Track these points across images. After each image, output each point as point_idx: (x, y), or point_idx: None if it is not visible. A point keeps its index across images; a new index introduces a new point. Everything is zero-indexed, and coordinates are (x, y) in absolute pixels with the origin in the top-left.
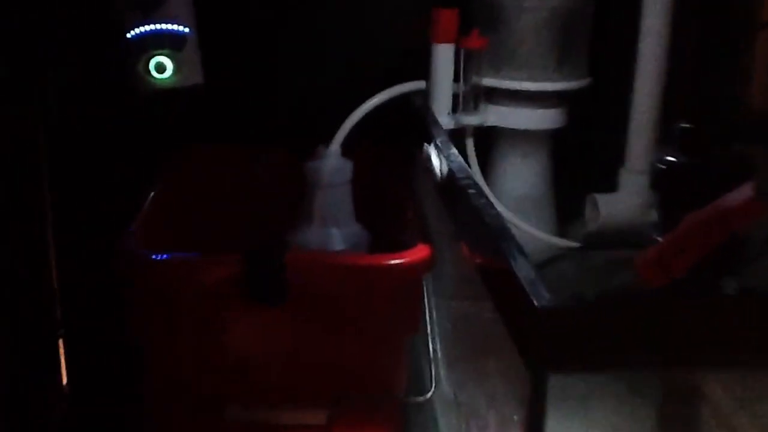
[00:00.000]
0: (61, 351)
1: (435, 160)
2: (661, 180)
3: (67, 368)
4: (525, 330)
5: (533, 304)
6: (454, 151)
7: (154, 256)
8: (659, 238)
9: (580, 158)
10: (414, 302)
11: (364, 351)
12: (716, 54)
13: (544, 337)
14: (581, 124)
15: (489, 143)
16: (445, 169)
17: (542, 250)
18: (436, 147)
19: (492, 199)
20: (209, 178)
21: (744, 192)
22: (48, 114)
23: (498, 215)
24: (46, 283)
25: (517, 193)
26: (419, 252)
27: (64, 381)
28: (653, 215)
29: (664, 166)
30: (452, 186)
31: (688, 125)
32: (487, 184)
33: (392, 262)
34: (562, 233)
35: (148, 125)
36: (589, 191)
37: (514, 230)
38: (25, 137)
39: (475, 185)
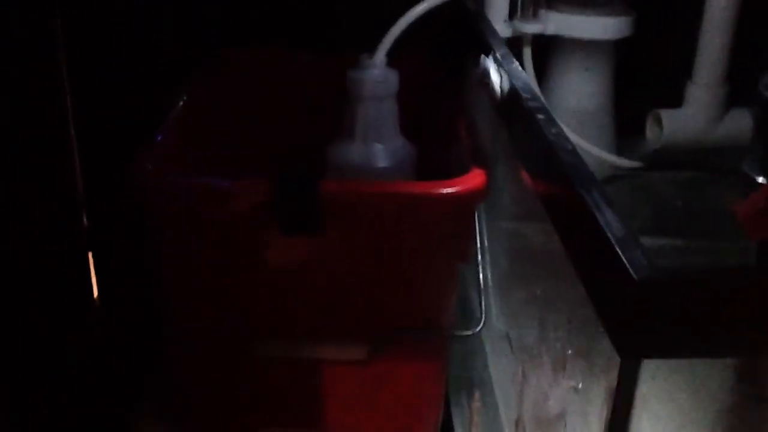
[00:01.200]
0: (91, 265)
1: (494, 76)
2: (764, 110)
3: (97, 282)
4: (616, 305)
5: (630, 275)
6: (517, 65)
7: (171, 179)
8: (760, 180)
9: (644, 70)
10: (465, 231)
11: (408, 283)
12: None
13: (642, 316)
14: (648, 34)
15: (547, 53)
16: (507, 87)
17: (601, 169)
18: (496, 60)
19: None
20: (244, 84)
21: None
22: (72, 26)
23: (575, 152)
24: (73, 198)
25: (576, 107)
26: (473, 179)
27: (95, 294)
28: (719, 133)
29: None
30: (516, 108)
31: None
32: (546, 97)
33: (442, 190)
34: (621, 151)
35: (180, 29)
36: (651, 107)
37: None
38: (47, 52)
39: (545, 110)
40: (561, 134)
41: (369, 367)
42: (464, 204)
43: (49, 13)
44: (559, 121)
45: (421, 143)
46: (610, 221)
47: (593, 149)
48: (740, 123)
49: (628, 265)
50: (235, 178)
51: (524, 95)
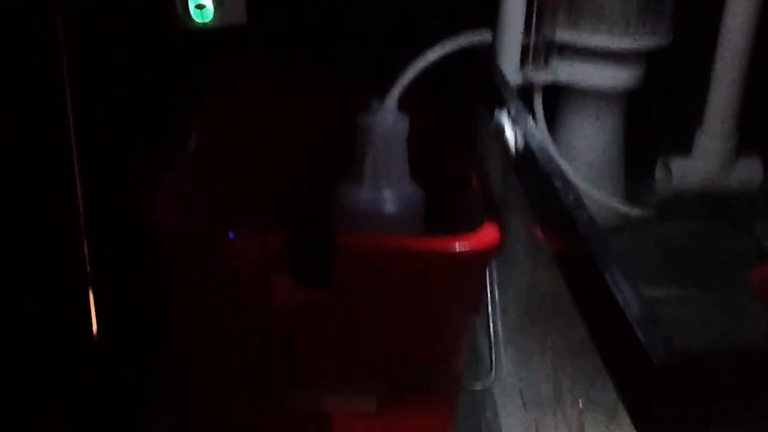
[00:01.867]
0: (91, 300)
1: (509, 133)
2: None
3: (96, 318)
4: (636, 387)
5: (650, 358)
6: (532, 124)
7: (189, 228)
8: None
9: (654, 119)
10: (477, 285)
11: (419, 336)
12: None
13: (662, 398)
14: (657, 84)
15: (557, 101)
16: (522, 145)
17: (610, 217)
18: (511, 117)
19: (560, 162)
20: (253, 108)
21: None
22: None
23: (593, 221)
24: (75, 231)
25: (586, 156)
26: (487, 235)
27: (94, 330)
28: (729, 182)
29: None
30: (531, 168)
31: None
32: (556, 144)
33: (455, 247)
34: (631, 198)
35: (189, 66)
36: (661, 155)
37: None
38: (53, 80)
39: (562, 174)
40: (579, 202)
41: (378, 420)
42: (477, 260)
43: (52, 31)
44: (569, 170)
45: (430, 187)
46: (629, 299)
47: (604, 197)
48: (749, 172)
49: (647, 348)
50: (251, 227)
51: (540, 158)
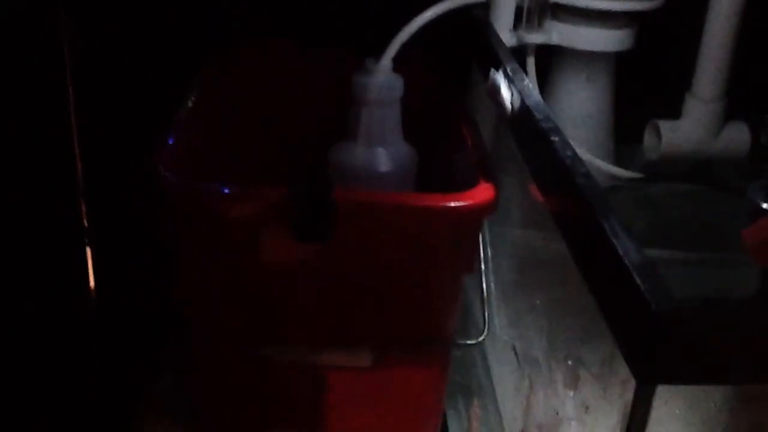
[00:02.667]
0: (89, 258)
1: (505, 92)
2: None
3: (94, 275)
4: (635, 334)
5: (650, 306)
6: (528, 83)
7: (188, 184)
8: (766, 206)
9: (644, 82)
10: (471, 243)
11: (413, 292)
12: None
13: (661, 345)
14: (649, 46)
15: (549, 62)
16: (517, 104)
17: (599, 178)
18: (506, 76)
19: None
20: (250, 78)
21: None
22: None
23: (590, 176)
24: (73, 190)
25: (575, 116)
26: (482, 193)
27: (92, 286)
28: (717, 145)
29: None
30: (528, 126)
31: None
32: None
33: (451, 204)
34: (619, 160)
35: (187, 28)
36: (651, 118)
37: None
38: (50, 43)
39: (559, 132)
40: (576, 158)
41: (373, 374)
42: (473, 217)
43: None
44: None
45: (423, 147)
46: (629, 250)
47: (593, 159)
48: (737, 136)
49: (647, 295)
50: (252, 183)
51: (537, 116)
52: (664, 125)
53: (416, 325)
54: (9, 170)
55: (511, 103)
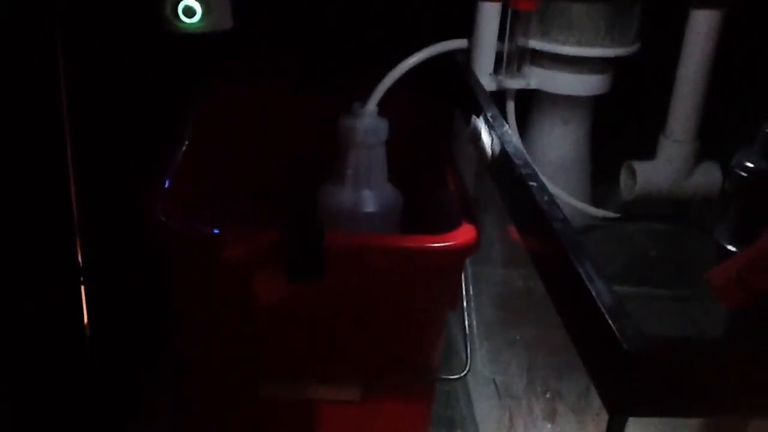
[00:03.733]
0: (83, 295)
1: (485, 137)
2: (738, 185)
3: (88, 312)
4: (608, 371)
5: (621, 346)
6: (507, 129)
7: (187, 227)
8: (731, 248)
9: (619, 125)
10: (454, 282)
11: (399, 329)
12: None
13: (630, 381)
14: (625, 90)
15: (528, 105)
16: (498, 150)
17: (577, 218)
18: (487, 122)
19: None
20: (247, 121)
21: None
22: (72, 55)
23: (566, 221)
24: (68, 228)
25: (554, 158)
26: (464, 234)
27: (85, 323)
28: (690, 186)
29: (743, 173)
30: (507, 171)
31: None
32: (526, 148)
33: (435, 245)
34: (596, 200)
35: (177, 69)
36: (627, 159)
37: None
38: (49, 85)
39: (537, 177)
40: (553, 202)
41: (362, 408)
42: (455, 257)
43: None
44: (538, 171)
45: (409, 188)
46: (602, 292)
47: (571, 200)
48: (709, 177)
49: (619, 336)
50: (245, 226)
51: (516, 161)
52: (639, 166)
53: (402, 360)
54: (5, 209)
55: (491, 149)
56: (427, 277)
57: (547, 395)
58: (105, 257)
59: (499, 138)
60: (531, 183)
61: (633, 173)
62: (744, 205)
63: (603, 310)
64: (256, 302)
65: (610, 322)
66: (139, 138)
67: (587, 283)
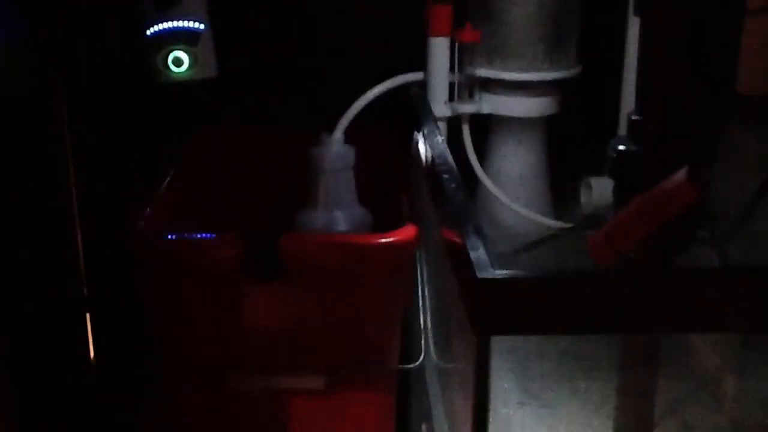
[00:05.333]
0: (89, 326)
1: (422, 147)
2: (614, 167)
3: (94, 343)
4: (469, 297)
5: (475, 274)
6: (439, 138)
7: (161, 236)
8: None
9: (576, 142)
10: (404, 278)
11: (358, 322)
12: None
13: (483, 303)
14: (575, 110)
15: (487, 129)
16: (430, 156)
17: (539, 230)
18: (423, 135)
19: (486, 181)
20: (225, 158)
21: (679, 176)
22: (73, 103)
23: (465, 198)
24: (73, 262)
25: (513, 176)
26: (405, 232)
27: (91, 354)
28: None
29: (614, 154)
30: (433, 169)
31: (636, 117)
32: (487, 168)
33: (378, 240)
34: (561, 215)
35: (167, 113)
36: (587, 174)
37: (508, 211)
38: (51, 126)
39: (451, 170)
40: (459, 186)
41: (327, 396)
42: (399, 252)
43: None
44: (496, 188)
45: (375, 206)
46: (473, 242)
47: (527, 213)
48: None
49: (475, 268)
50: (210, 236)
51: (437, 161)
52: (595, 182)
53: (361, 351)
54: (16, 246)
55: (426, 156)
56: (377, 272)
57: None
58: (109, 288)
59: (430, 146)
60: (445, 175)
61: (590, 187)
62: (616, 181)
63: (470, 253)
64: (223, 302)
65: (472, 260)
66: (136, 173)
67: (464, 235)
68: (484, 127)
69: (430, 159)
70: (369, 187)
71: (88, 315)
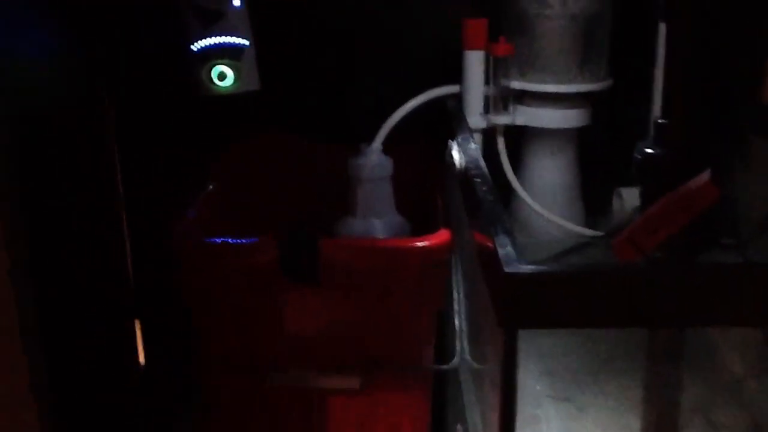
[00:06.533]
0: (138, 334)
1: (455, 155)
2: (640, 170)
3: (144, 350)
4: (497, 291)
5: (502, 269)
6: (472, 145)
7: (199, 239)
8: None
9: (608, 153)
10: (438, 281)
11: (393, 324)
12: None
13: (510, 297)
14: (608, 120)
15: (521, 141)
16: (463, 163)
17: (572, 238)
18: (458, 143)
19: (519, 189)
20: (265, 167)
21: (701, 178)
22: (122, 117)
23: (495, 200)
24: (122, 270)
25: (546, 186)
26: (439, 236)
27: (141, 362)
28: None
29: (639, 157)
30: (465, 177)
31: (663, 120)
32: (521, 178)
33: (413, 244)
34: (595, 224)
35: (212, 124)
36: (619, 184)
37: (541, 220)
38: (100, 140)
39: (482, 174)
40: (489, 189)
41: (362, 396)
42: (433, 255)
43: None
44: (528, 197)
45: (413, 214)
46: (502, 239)
47: (560, 221)
48: None
49: (502, 263)
50: (248, 240)
51: (470, 167)
52: (626, 191)
53: (396, 352)
54: (66, 254)
55: (459, 163)
56: (411, 275)
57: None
58: (157, 295)
59: (464, 153)
60: (477, 179)
61: (622, 198)
62: (643, 184)
63: (497, 249)
64: (262, 303)
65: (499, 255)
66: (182, 182)
67: (492, 233)
68: (519, 138)
69: (463, 165)
70: (407, 196)
71: (137, 322)
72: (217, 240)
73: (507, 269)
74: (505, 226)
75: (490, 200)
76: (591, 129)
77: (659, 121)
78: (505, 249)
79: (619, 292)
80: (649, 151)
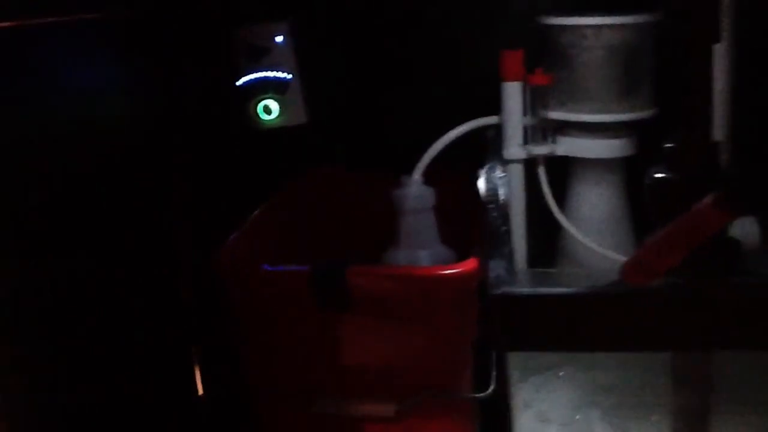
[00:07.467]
0: (196, 363)
1: (480, 183)
2: (649, 194)
3: (202, 379)
4: (489, 314)
5: (489, 291)
6: (498, 174)
7: (236, 266)
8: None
9: None
10: (469, 308)
11: (425, 351)
12: None
13: (497, 319)
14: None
15: (567, 170)
16: (484, 190)
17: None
18: (485, 172)
19: (561, 219)
20: (313, 199)
21: (707, 202)
22: (179, 151)
23: (501, 226)
24: (181, 300)
25: (593, 216)
26: (467, 264)
27: (200, 391)
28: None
29: (648, 181)
30: (488, 201)
31: (671, 145)
32: (567, 208)
33: (439, 272)
34: None
35: (262, 158)
36: None
37: (587, 251)
38: (161, 174)
39: (496, 200)
40: (499, 216)
41: (399, 424)
42: (462, 283)
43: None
44: (573, 228)
45: (457, 244)
46: (497, 263)
47: (601, 249)
48: (748, 228)
49: (491, 286)
50: (279, 267)
51: (486, 194)
52: None
53: (430, 379)
54: (125, 283)
55: (486, 191)
56: (440, 302)
57: None
58: (215, 322)
59: (489, 180)
60: (490, 205)
61: None
62: (654, 208)
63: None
64: (292, 330)
65: (491, 279)
66: (234, 214)
67: (491, 256)
68: (563, 169)
69: (484, 193)
70: (453, 226)
71: (194, 350)
72: (247, 266)
73: (494, 291)
74: (502, 251)
75: (496, 225)
76: (640, 157)
77: (667, 145)
78: (496, 272)
79: (607, 315)
80: (658, 175)
